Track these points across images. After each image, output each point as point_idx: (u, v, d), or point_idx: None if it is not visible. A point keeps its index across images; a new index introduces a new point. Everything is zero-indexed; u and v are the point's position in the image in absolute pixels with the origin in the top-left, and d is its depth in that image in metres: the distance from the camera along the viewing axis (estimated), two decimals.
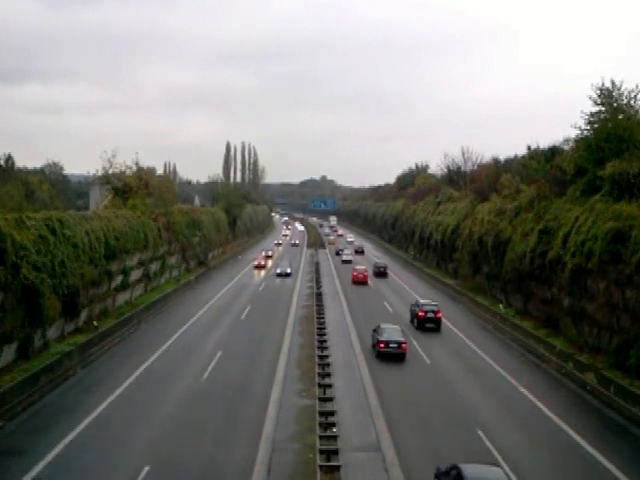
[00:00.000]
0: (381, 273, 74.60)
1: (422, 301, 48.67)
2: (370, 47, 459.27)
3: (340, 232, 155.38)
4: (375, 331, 37.80)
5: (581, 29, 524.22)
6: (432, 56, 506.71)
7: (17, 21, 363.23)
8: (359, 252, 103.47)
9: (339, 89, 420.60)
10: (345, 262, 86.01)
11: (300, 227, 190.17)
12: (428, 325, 45.03)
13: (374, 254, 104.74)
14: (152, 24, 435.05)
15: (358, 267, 71.71)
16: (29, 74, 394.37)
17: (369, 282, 68.28)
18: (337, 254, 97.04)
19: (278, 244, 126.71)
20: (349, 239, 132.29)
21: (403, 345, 35.82)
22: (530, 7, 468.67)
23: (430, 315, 45.19)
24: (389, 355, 35.62)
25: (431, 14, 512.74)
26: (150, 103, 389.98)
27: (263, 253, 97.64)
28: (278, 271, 73.38)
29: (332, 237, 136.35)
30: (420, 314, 45.37)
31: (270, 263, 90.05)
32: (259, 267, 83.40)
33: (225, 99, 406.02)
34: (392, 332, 36.77)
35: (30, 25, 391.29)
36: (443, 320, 45.99)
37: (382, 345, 35.63)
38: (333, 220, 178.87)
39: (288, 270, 73.42)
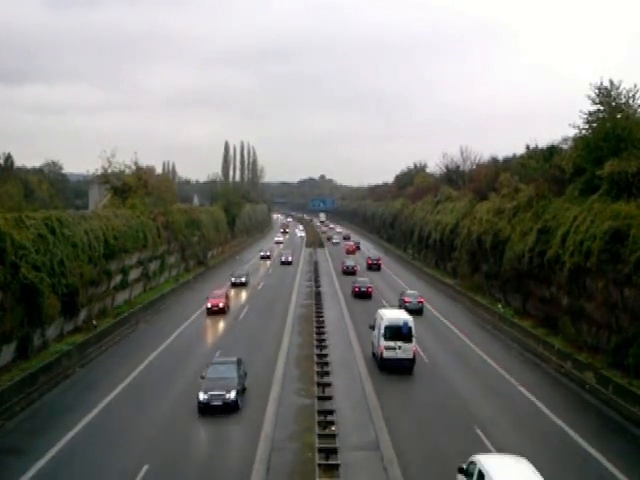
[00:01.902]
0: (358, 247, 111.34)
1: (369, 254, 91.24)
2: (370, 47, 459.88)
3: (331, 226, 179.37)
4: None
5: (581, 29, 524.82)
6: (432, 56, 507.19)
7: (19, 22, 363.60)
8: (346, 238, 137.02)
9: (339, 89, 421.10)
10: (335, 244, 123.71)
11: (300, 232, 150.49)
12: (373, 268, 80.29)
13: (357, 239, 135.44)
14: (152, 25, 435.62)
15: (349, 243, 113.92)
16: (30, 75, 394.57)
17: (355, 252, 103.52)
18: (328, 239, 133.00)
19: (265, 257, 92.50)
20: (338, 230, 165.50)
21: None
22: (530, 7, 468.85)
23: (374, 262, 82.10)
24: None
25: (431, 14, 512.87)
26: (150, 103, 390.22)
27: (232, 279, 63.65)
28: (204, 377, 27.75)
29: (324, 229, 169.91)
30: (369, 262, 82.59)
31: (244, 297, 57.52)
32: (215, 311, 47.96)
33: (225, 99, 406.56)
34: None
35: (32, 26, 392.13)
36: (443, 320, 48.85)
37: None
38: (322, 216, 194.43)
39: (229, 378, 27.41)
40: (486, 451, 22.88)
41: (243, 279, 63.47)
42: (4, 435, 24.18)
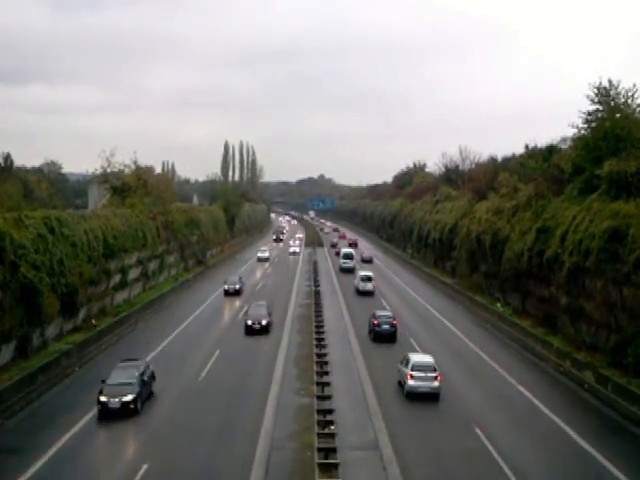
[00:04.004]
0: (343, 235, 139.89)
1: (350, 236, 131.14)
2: (370, 47, 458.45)
3: (322, 220, 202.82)
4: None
5: (581, 29, 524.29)
6: (432, 56, 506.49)
7: (20, 24, 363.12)
8: (335, 230, 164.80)
9: (339, 89, 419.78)
10: (326, 233, 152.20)
11: (295, 246, 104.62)
12: (352, 245, 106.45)
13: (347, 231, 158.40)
14: (152, 25, 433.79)
15: (341, 231, 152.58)
16: (32, 75, 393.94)
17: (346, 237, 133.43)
18: (321, 230, 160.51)
19: (231, 292, 57.57)
20: (328, 224, 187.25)
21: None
22: (530, 7, 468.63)
23: (353, 242, 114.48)
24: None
25: (431, 14, 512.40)
26: (150, 103, 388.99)
27: (102, 397, 25.87)
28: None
29: (315, 223, 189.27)
30: (349, 242, 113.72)
31: None
32: None
33: (225, 99, 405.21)
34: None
35: (36, 29, 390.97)
36: (442, 319, 49.23)
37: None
38: (312, 214, 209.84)
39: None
40: (486, 452, 23.02)
41: (128, 397, 26.03)
42: (4, 434, 24.20)
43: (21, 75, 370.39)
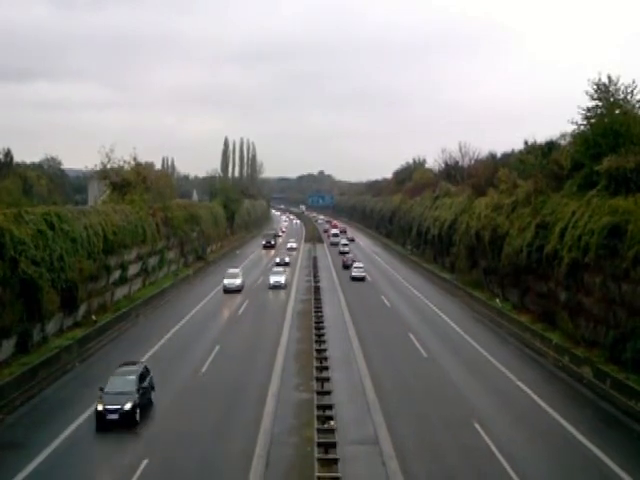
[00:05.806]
0: (335, 225, 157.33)
1: (340, 226, 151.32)
2: (370, 46, 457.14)
3: (314, 214, 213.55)
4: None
5: (581, 26, 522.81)
6: (433, 54, 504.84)
7: (27, 22, 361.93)
8: (327, 222, 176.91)
9: (339, 87, 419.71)
10: (320, 224, 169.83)
11: (279, 272, 61.50)
12: (341, 231, 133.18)
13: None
14: (155, 24, 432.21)
15: (332, 222, 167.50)
16: (36, 72, 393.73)
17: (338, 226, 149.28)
18: (315, 221, 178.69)
19: (119, 421, 23.81)
20: (321, 217, 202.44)
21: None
22: (531, 7, 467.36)
23: (341, 229, 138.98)
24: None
25: (432, 14, 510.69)
26: (151, 100, 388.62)
27: None
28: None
29: (306, 213, 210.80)
30: (340, 230, 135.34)
31: None
32: None
33: (225, 96, 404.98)
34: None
35: (39, 26, 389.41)
36: (441, 314, 49.14)
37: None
38: (302, 208, 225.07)
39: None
40: (485, 447, 23.09)
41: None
42: (4, 429, 24.28)
43: (23, 72, 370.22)
